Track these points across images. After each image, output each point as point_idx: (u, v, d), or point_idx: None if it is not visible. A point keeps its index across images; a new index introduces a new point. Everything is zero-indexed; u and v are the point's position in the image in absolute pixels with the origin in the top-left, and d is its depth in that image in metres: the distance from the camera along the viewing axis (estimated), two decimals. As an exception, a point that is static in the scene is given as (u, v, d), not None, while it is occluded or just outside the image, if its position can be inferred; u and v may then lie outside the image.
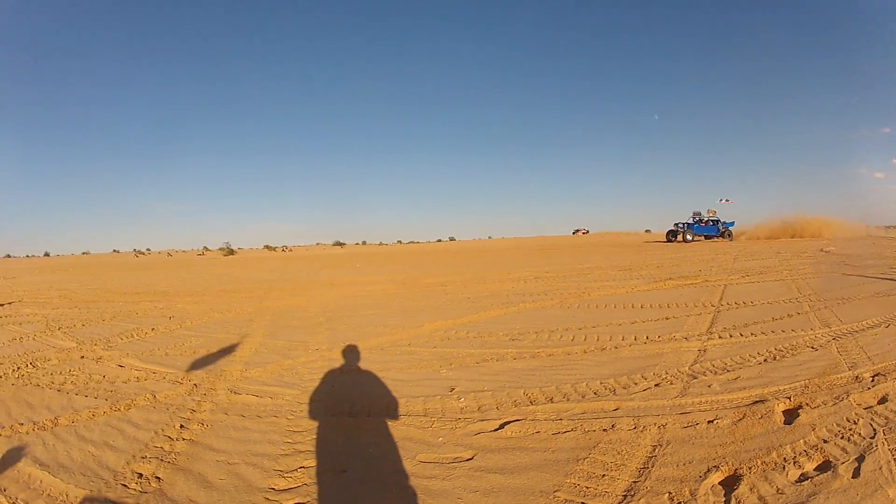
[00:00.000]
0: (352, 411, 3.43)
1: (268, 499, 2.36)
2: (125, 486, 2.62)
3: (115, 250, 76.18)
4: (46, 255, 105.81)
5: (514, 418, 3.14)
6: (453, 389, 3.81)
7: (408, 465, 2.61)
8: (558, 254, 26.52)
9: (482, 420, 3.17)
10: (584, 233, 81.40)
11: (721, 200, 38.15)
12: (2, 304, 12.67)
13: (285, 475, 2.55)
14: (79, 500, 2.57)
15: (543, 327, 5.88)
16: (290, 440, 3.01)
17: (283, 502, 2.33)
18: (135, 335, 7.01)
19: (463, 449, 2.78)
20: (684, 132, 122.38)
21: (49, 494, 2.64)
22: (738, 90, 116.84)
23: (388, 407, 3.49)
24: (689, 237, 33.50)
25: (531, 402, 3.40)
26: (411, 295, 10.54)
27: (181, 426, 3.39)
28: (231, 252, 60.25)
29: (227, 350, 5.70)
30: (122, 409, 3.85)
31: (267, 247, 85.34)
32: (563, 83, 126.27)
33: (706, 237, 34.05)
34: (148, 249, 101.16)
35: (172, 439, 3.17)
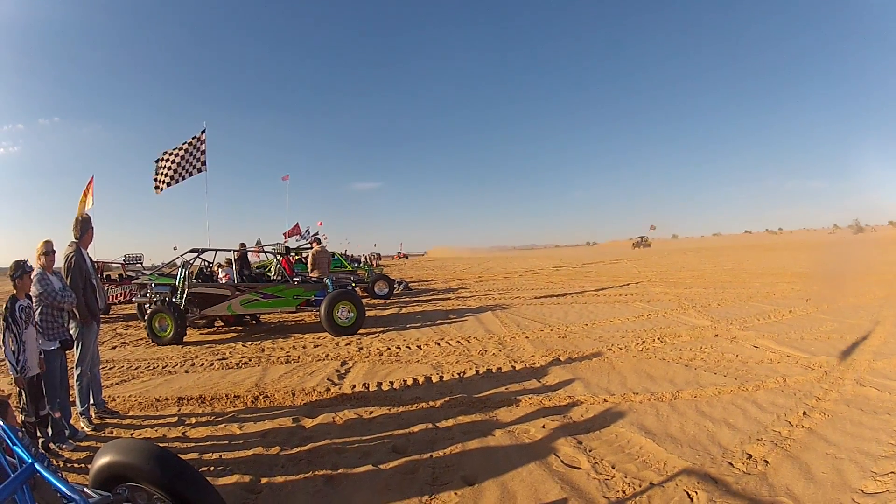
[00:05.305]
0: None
1: (854, 500, 2.30)
2: (730, 464, 2.62)
3: (746, 231, 74.89)
4: (674, 237, 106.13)
5: None
6: None
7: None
8: None
9: None
10: None
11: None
12: (627, 284, 13.07)
13: (877, 478, 2.46)
14: (676, 470, 2.54)
15: None
16: (893, 441, 2.85)
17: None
18: (771, 317, 6.90)
19: None
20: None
21: (644, 461, 2.66)
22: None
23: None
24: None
25: None
26: None
27: (804, 413, 3.32)
28: (860, 230, 49.41)
29: (859, 337, 5.49)
30: (749, 389, 3.79)
31: None
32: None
33: None
34: (780, 229, 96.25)
35: (792, 425, 3.13)
